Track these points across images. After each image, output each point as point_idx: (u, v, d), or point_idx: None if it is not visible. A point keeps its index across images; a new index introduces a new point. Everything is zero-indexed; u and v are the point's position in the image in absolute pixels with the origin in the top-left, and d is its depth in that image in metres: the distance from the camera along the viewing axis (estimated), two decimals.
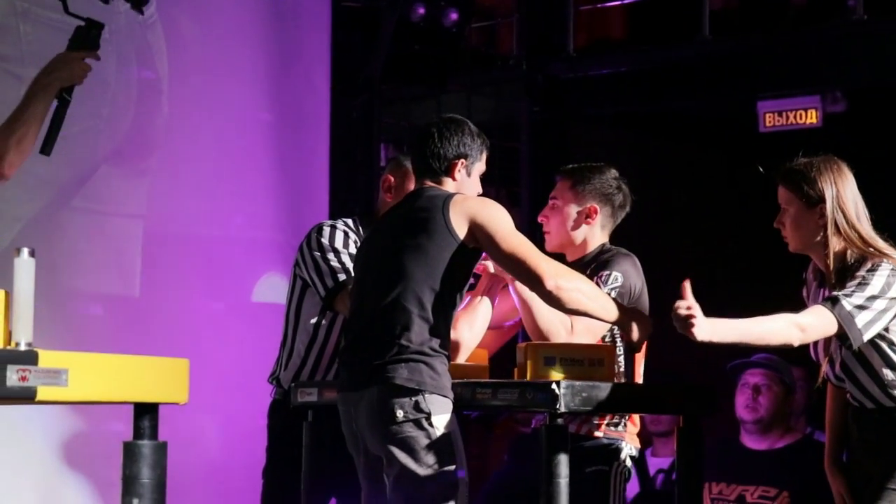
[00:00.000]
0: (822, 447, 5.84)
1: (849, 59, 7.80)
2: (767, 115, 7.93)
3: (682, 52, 8.16)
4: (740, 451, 5.91)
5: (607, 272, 4.40)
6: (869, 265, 3.96)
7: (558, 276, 3.85)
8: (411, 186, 4.32)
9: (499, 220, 3.91)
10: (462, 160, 4.07)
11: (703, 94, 8.33)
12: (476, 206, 3.93)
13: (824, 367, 4.13)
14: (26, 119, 3.94)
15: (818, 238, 4.02)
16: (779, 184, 4.11)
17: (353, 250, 4.54)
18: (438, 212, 3.91)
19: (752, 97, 8.02)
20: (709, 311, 3.77)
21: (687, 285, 3.72)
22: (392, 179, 4.62)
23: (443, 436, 3.82)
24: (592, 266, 4.44)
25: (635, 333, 3.97)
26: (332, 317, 4.67)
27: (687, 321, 3.69)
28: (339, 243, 4.58)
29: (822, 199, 4.01)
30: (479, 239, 3.90)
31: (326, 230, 4.63)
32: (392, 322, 3.87)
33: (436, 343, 3.87)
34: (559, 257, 4.32)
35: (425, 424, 3.82)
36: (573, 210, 4.56)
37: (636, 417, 4.55)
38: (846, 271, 3.98)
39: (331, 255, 4.55)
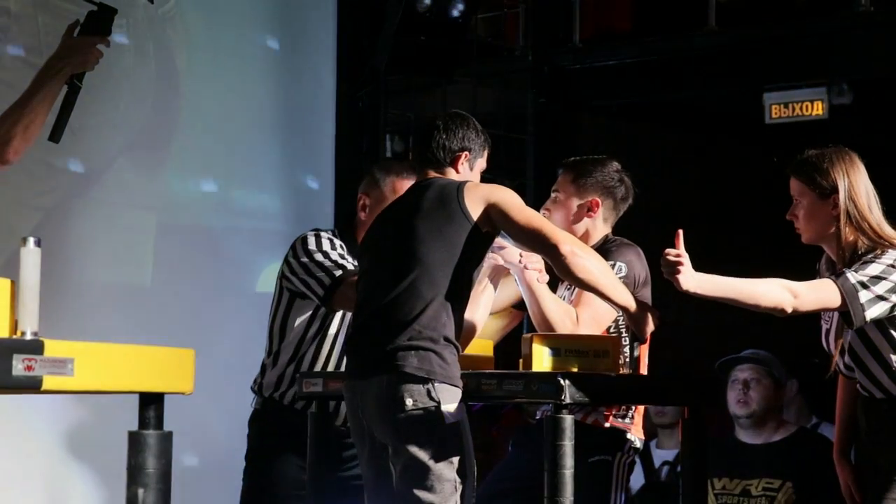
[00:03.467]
0: (820, 439, 5.84)
1: (855, 51, 7.80)
2: (773, 107, 7.92)
3: (689, 43, 8.15)
4: (737, 446, 5.90)
5: (610, 262, 4.39)
6: (878, 252, 3.97)
7: (574, 244, 3.90)
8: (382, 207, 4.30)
9: (513, 198, 3.97)
10: (466, 153, 4.11)
11: (710, 86, 8.32)
12: (489, 189, 3.99)
13: (836, 358, 4.13)
14: (34, 106, 3.87)
15: (831, 229, 4.02)
16: (791, 176, 4.10)
17: (340, 252, 4.52)
18: (453, 197, 3.94)
19: (758, 89, 8.00)
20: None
21: (680, 234, 3.76)
22: (366, 199, 4.59)
23: (451, 425, 3.82)
24: None
25: (641, 324, 3.99)
26: (318, 329, 4.61)
27: (674, 267, 3.71)
28: (326, 246, 4.53)
29: (835, 190, 4.01)
30: (495, 218, 3.93)
31: (311, 237, 4.57)
32: (406, 308, 3.87)
33: (448, 331, 3.88)
34: None
35: (435, 413, 3.81)
36: (575, 203, 4.57)
37: (641, 407, 4.55)
38: (856, 261, 3.98)
39: (319, 257, 4.49)
